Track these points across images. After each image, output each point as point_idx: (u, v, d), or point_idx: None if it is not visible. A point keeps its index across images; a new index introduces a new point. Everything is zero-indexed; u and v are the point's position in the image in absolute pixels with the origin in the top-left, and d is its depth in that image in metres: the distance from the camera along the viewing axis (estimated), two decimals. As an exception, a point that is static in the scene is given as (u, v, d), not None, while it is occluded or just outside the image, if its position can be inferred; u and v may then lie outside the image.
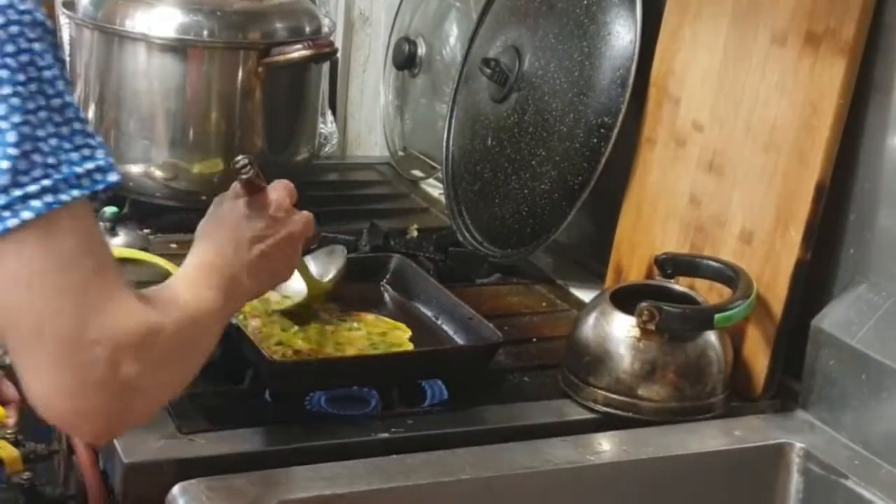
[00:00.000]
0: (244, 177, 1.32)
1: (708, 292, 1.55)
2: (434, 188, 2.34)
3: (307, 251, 1.59)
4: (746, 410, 1.51)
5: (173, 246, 1.89)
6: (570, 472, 1.36)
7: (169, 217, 2.01)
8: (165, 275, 1.73)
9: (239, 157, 1.32)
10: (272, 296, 1.59)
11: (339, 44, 2.70)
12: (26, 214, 0.99)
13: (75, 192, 1.01)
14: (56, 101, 1.01)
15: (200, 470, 1.27)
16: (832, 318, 1.48)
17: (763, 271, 1.53)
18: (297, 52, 1.98)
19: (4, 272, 1.00)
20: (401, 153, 2.46)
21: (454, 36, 2.35)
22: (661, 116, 1.73)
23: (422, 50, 2.40)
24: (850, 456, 1.42)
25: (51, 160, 1.00)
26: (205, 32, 1.96)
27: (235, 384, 1.47)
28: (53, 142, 1.00)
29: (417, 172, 2.39)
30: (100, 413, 1.05)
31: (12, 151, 0.98)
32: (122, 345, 1.03)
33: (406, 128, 2.48)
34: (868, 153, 1.48)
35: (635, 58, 1.75)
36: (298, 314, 1.58)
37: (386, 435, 1.38)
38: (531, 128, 1.87)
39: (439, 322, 1.64)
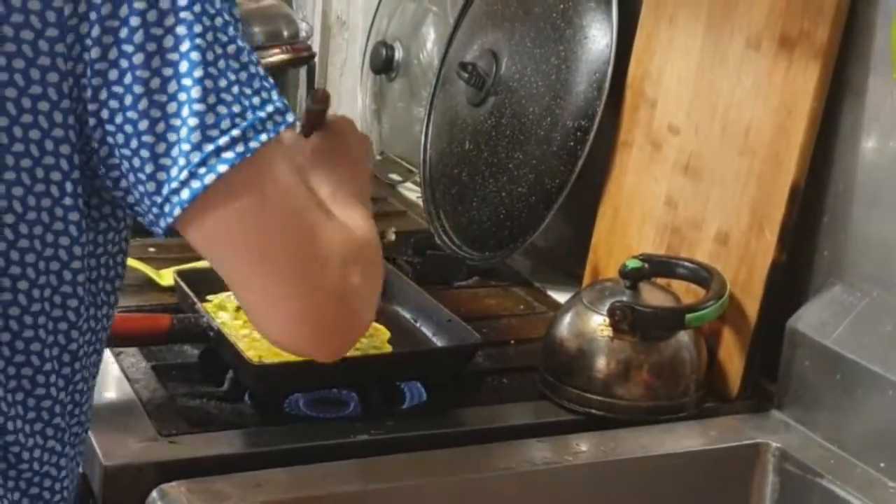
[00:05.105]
0: (320, 108, 1.33)
1: (684, 294, 1.56)
2: (412, 191, 2.34)
3: None
4: (723, 411, 1.52)
5: (151, 250, 1.89)
6: (547, 473, 1.37)
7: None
8: (144, 278, 1.74)
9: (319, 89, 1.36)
10: None
11: (316, 48, 2.71)
12: (221, 168, 0.96)
13: (263, 137, 0.98)
14: (231, 48, 0.98)
15: (180, 472, 1.27)
16: (807, 319, 1.49)
17: (738, 272, 1.54)
18: (276, 56, 1.99)
19: (218, 224, 0.99)
20: (378, 157, 2.46)
21: (431, 40, 2.35)
22: (638, 119, 1.74)
23: (399, 54, 2.41)
24: (825, 455, 1.42)
25: (235, 109, 0.98)
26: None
27: (215, 386, 1.47)
28: (235, 90, 0.98)
29: (395, 176, 2.40)
30: (340, 328, 1.06)
31: (198, 107, 0.96)
32: (347, 257, 1.04)
33: (384, 131, 2.48)
34: (842, 155, 1.50)
35: (611, 61, 1.76)
36: None
37: (365, 437, 1.38)
38: (508, 131, 1.88)
39: (418, 324, 1.65)
